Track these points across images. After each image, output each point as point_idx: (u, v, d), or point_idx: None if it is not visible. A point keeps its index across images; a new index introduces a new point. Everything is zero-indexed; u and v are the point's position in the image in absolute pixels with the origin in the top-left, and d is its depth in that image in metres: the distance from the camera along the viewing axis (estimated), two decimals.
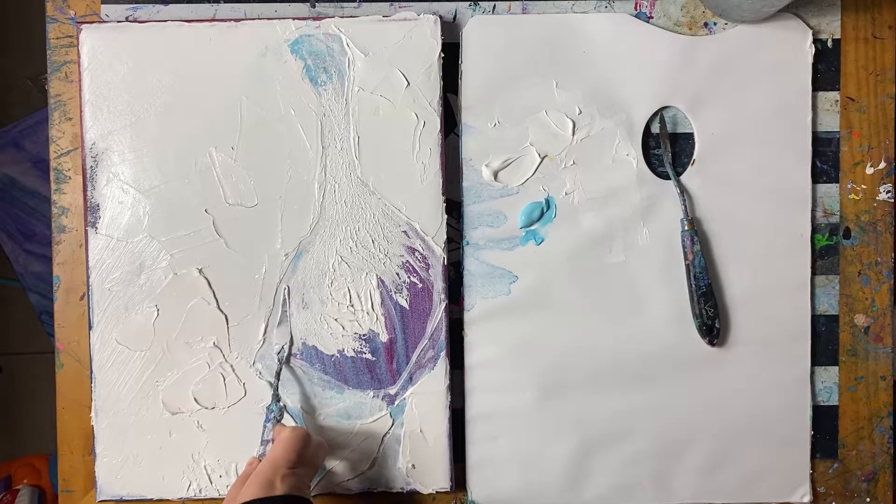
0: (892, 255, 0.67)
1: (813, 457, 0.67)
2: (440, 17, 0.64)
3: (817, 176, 0.67)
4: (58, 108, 0.66)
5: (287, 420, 0.64)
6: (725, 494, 0.67)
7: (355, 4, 0.66)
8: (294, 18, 0.64)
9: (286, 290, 0.64)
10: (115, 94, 0.64)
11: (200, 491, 0.65)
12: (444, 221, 0.65)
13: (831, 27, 0.67)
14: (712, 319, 0.65)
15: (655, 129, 0.66)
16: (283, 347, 0.64)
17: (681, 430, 0.66)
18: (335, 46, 0.64)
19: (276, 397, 0.63)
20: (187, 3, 0.66)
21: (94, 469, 0.65)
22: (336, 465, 0.65)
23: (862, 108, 0.67)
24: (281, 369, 0.64)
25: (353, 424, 0.65)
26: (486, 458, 0.66)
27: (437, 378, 0.65)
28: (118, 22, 0.65)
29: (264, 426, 0.62)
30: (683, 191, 0.66)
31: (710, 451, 0.66)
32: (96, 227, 0.64)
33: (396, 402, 0.65)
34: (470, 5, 0.66)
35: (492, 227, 0.66)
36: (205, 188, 0.64)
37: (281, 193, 0.65)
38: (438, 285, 0.65)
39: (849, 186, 0.67)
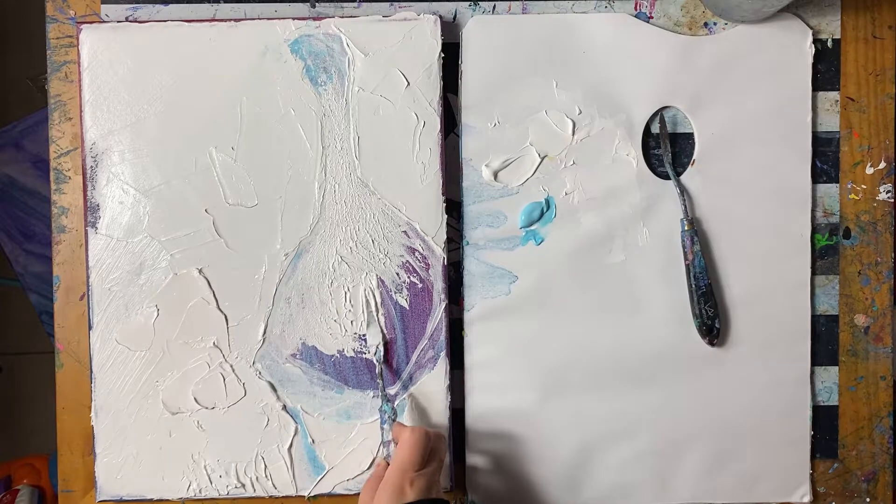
0: (892, 255, 0.68)
1: (813, 457, 0.67)
2: (440, 17, 0.64)
3: (817, 176, 0.67)
4: (58, 108, 0.66)
5: (400, 418, 0.64)
6: (725, 494, 0.67)
7: (355, 4, 0.66)
8: (294, 18, 0.64)
9: (368, 290, 0.63)
10: (115, 94, 0.64)
11: (200, 491, 0.65)
12: (444, 221, 0.65)
13: (831, 27, 0.67)
14: (712, 319, 0.65)
15: (655, 129, 0.66)
16: (377, 348, 0.64)
17: (681, 430, 0.66)
18: (335, 46, 0.64)
19: (386, 397, 0.63)
20: (187, 3, 0.66)
21: (94, 469, 0.65)
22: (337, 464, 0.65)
23: (862, 108, 0.67)
24: (382, 370, 0.64)
25: (353, 424, 0.65)
26: (486, 458, 0.66)
27: (437, 378, 0.65)
28: (118, 22, 0.65)
29: (381, 428, 0.62)
30: (683, 191, 0.66)
31: (710, 451, 0.66)
32: (96, 227, 0.64)
33: (396, 402, 0.65)
34: (470, 5, 0.66)
35: (492, 227, 0.66)
36: (205, 188, 0.64)
37: (281, 193, 0.65)
38: (438, 285, 0.65)
39: (849, 186, 0.67)
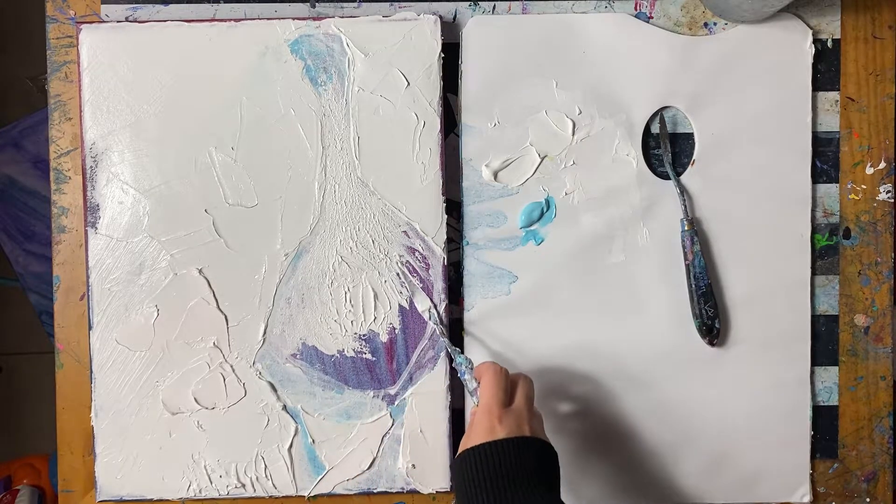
0: (892, 255, 0.68)
1: (813, 457, 0.67)
2: (440, 17, 0.64)
3: (817, 176, 0.67)
4: (58, 108, 0.66)
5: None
6: (725, 494, 0.67)
7: (355, 4, 0.66)
8: (294, 18, 0.64)
9: (402, 265, 0.64)
10: (115, 94, 0.64)
11: (200, 491, 0.65)
12: (444, 221, 0.65)
13: (831, 27, 0.67)
14: (712, 319, 0.65)
15: (655, 129, 0.66)
16: (429, 311, 0.64)
17: (681, 431, 0.66)
18: (335, 46, 0.64)
19: (456, 351, 0.62)
20: (187, 3, 0.66)
21: (94, 469, 0.65)
22: (336, 464, 0.65)
23: (862, 108, 0.67)
24: (445, 327, 0.64)
25: (353, 424, 0.65)
26: None
27: (437, 378, 0.65)
28: (118, 22, 0.65)
29: (463, 381, 0.60)
30: (683, 191, 0.66)
31: (710, 451, 0.66)
32: (96, 227, 0.64)
33: (396, 402, 0.65)
34: (470, 5, 0.66)
35: (492, 227, 0.66)
36: (205, 188, 0.64)
37: (281, 193, 0.65)
38: (438, 285, 0.65)
39: (849, 186, 0.67)
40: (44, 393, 1.36)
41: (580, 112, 0.66)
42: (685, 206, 0.65)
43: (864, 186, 0.67)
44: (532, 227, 0.66)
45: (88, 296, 0.64)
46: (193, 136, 0.64)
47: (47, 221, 1.20)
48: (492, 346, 0.66)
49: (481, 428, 0.54)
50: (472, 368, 0.60)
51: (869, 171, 0.67)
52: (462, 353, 0.62)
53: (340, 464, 0.65)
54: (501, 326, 0.66)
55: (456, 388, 0.66)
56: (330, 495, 0.66)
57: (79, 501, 0.67)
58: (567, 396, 0.66)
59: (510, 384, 0.57)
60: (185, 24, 0.64)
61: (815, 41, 0.66)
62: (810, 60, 0.66)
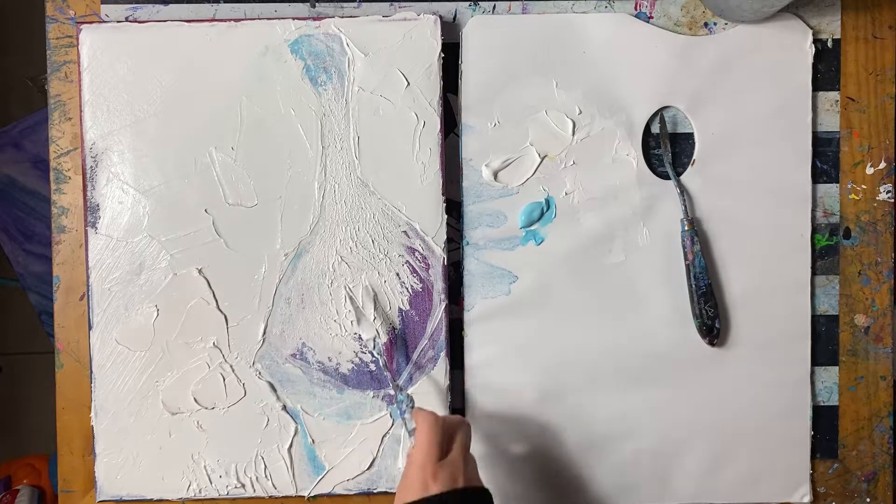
0: (892, 255, 0.68)
1: (813, 457, 0.67)
2: (440, 17, 0.64)
3: (817, 176, 0.67)
4: (58, 108, 0.66)
5: (419, 402, 0.63)
6: (725, 494, 0.67)
7: (355, 4, 0.66)
8: (294, 18, 0.64)
9: (347, 289, 0.64)
10: (115, 94, 0.64)
11: (200, 491, 0.65)
12: (444, 221, 0.65)
13: (831, 27, 0.67)
14: (712, 319, 0.65)
15: (655, 129, 0.66)
16: (374, 341, 0.64)
17: (681, 430, 0.66)
18: (335, 46, 0.64)
19: (398, 387, 0.62)
20: (187, 3, 0.66)
21: (94, 469, 0.65)
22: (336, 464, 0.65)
23: (862, 108, 0.67)
24: (385, 362, 0.64)
25: (353, 424, 0.65)
26: (485, 458, 0.66)
27: (437, 378, 0.65)
28: (118, 22, 0.65)
29: (403, 419, 0.61)
30: (683, 191, 0.66)
31: (710, 451, 0.66)
32: (96, 227, 0.64)
33: (396, 402, 0.65)
34: (470, 5, 0.66)
35: (492, 227, 0.66)
36: (205, 188, 0.64)
37: (281, 193, 0.65)
38: (438, 285, 0.65)
39: (849, 186, 0.67)
40: (44, 393, 1.35)
41: (580, 112, 0.66)
42: (685, 206, 0.65)
43: (864, 186, 0.67)
44: (532, 227, 0.66)
45: (88, 296, 0.64)
46: (193, 136, 0.64)
47: (47, 221, 1.20)
48: (492, 346, 0.66)
49: (416, 483, 0.53)
50: (412, 408, 0.60)
51: (869, 171, 0.67)
52: (403, 389, 0.62)
53: (340, 464, 0.65)
54: (501, 326, 0.66)
55: (456, 388, 0.66)
56: (330, 495, 0.66)
57: (79, 501, 0.67)
58: (567, 396, 0.66)
59: (448, 433, 0.56)
60: (185, 24, 0.64)
61: (815, 41, 0.66)
62: (810, 60, 0.66)
